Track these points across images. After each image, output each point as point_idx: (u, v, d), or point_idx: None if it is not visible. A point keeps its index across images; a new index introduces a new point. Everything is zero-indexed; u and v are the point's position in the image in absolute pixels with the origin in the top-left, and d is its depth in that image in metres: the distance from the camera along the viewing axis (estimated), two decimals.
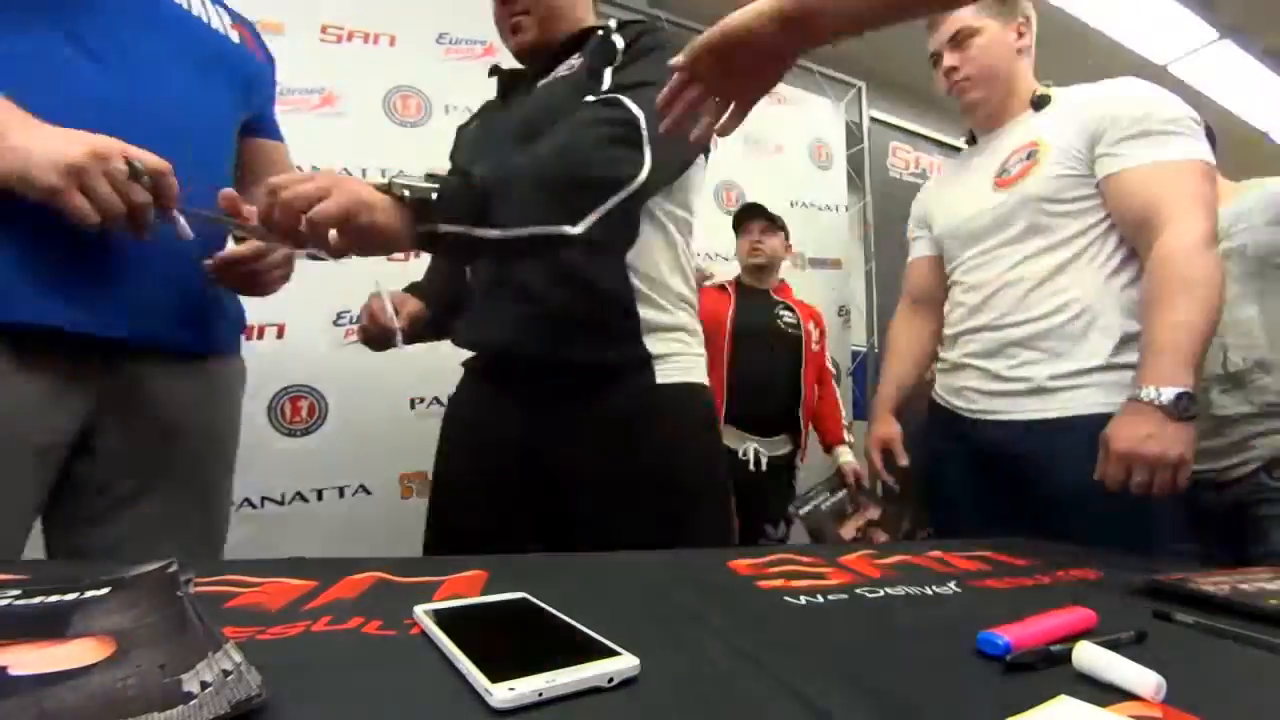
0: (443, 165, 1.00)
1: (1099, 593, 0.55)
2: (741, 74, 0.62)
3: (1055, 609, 0.42)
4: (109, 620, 0.33)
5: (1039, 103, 1.10)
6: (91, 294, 0.68)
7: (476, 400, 0.97)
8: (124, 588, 0.39)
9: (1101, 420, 0.89)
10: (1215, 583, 0.52)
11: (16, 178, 0.58)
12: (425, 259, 1.11)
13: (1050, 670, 0.35)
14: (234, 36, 0.87)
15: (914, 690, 0.33)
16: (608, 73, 0.84)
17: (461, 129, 1.11)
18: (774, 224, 2.04)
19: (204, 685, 0.25)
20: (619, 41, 0.87)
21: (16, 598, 0.36)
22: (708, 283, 2.10)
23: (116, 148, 0.60)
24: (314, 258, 0.68)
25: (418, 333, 0.98)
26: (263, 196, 0.59)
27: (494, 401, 0.93)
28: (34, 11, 0.66)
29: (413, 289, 1.02)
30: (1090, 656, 0.34)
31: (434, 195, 0.63)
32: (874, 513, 1.86)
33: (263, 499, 1.54)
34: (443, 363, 1.08)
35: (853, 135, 2.73)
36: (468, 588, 0.47)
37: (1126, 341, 0.97)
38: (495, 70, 1.05)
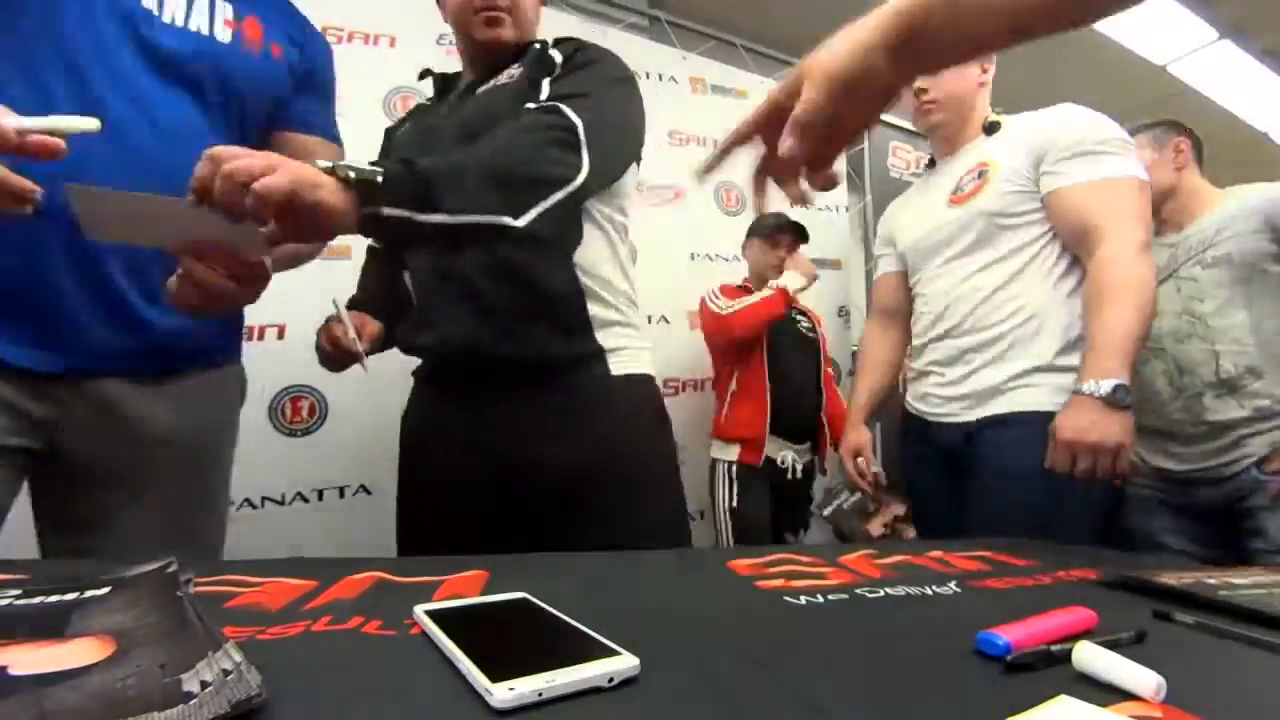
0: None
1: (1099, 593, 0.55)
2: (841, 119, 0.49)
3: (1055, 609, 0.42)
4: (109, 620, 0.33)
5: (990, 128, 1.21)
6: (25, 331, 0.68)
7: (424, 403, 0.98)
8: (124, 587, 0.39)
9: (1045, 416, 0.98)
10: (1179, 577, 0.54)
11: None
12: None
13: (1050, 670, 0.34)
14: (224, 35, 0.80)
15: (914, 690, 0.33)
16: (545, 83, 0.88)
17: (391, 130, 1.10)
18: (804, 239, 2.01)
19: (204, 685, 0.25)
20: (557, 56, 0.92)
21: (16, 598, 0.37)
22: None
23: None
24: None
25: (372, 349, 0.98)
26: (203, 164, 0.54)
27: (438, 403, 0.95)
28: None
29: (353, 304, 1.01)
30: (1090, 656, 0.34)
31: (379, 179, 0.62)
32: (899, 508, 1.88)
33: (263, 499, 1.54)
34: None
35: None
36: (468, 588, 0.47)
37: (1070, 345, 1.06)
38: (428, 73, 1.08)
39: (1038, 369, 1.06)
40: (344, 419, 1.63)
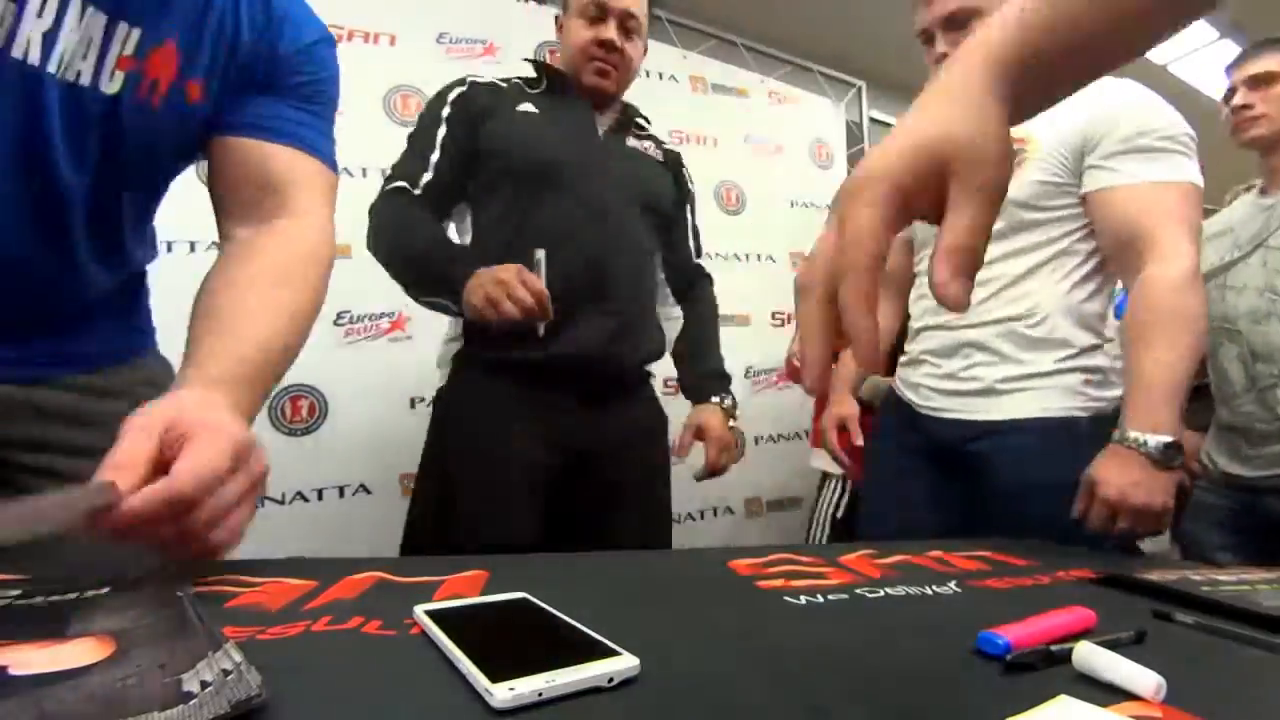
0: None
1: (1098, 593, 0.55)
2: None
3: (1055, 609, 0.43)
4: (109, 620, 0.33)
5: None
6: None
7: (501, 394, 1.04)
8: (124, 587, 0.39)
9: (1044, 424, 0.94)
10: (1163, 574, 0.55)
11: None
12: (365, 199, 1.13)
13: (1050, 670, 0.35)
14: (110, 85, 0.56)
15: (914, 690, 0.33)
16: (688, 209, 1.33)
17: (482, 87, 1.12)
18: None
19: (204, 685, 0.25)
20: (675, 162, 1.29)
21: (16, 598, 0.37)
22: None
23: None
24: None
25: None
26: (159, 506, 0.40)
27: (524, 398, 1.04)
28: None
29: (462, 255, 1.10)
30: (1090, 656, 0.34)
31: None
32: None
33: (263, 499, 1.54)
34: None
35: (853, 135, 2.74)
36: (468, 587, 0.47)
37: (1077, 353, 0.98)
38: (541, 65, 1.18)
39: (1043, 373, 0.98)
40: (344, 419, 1.63)
